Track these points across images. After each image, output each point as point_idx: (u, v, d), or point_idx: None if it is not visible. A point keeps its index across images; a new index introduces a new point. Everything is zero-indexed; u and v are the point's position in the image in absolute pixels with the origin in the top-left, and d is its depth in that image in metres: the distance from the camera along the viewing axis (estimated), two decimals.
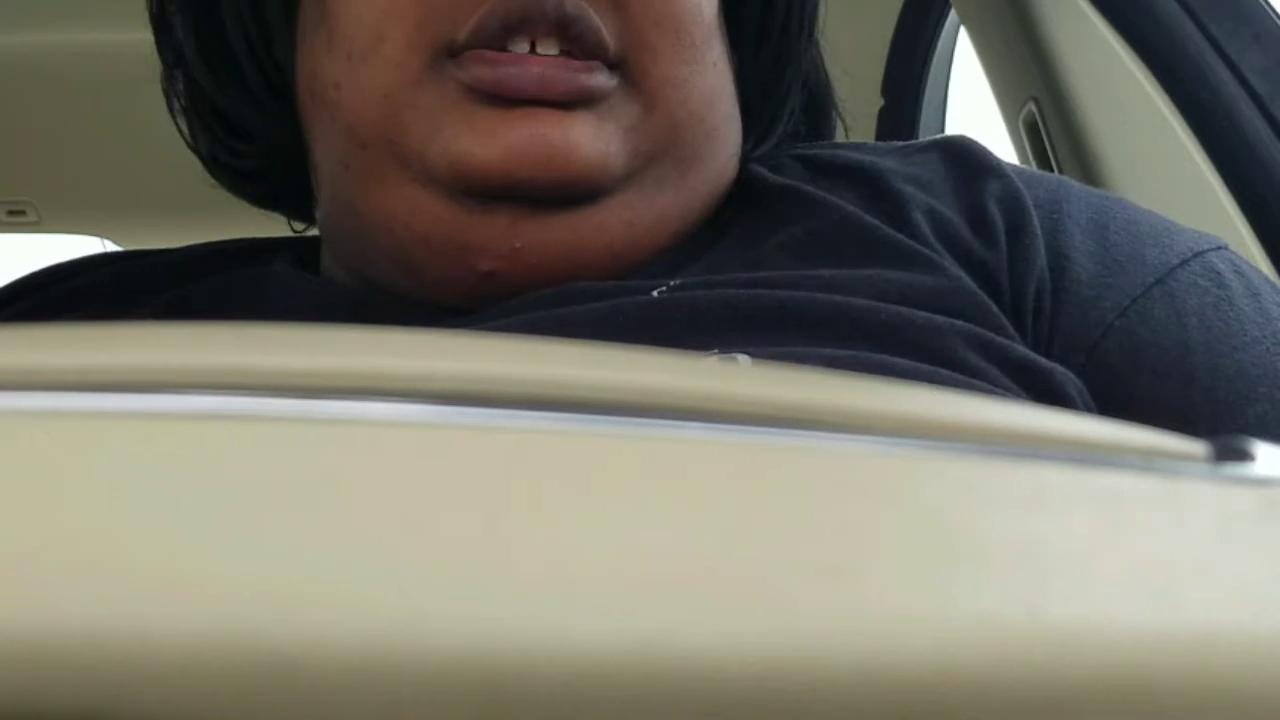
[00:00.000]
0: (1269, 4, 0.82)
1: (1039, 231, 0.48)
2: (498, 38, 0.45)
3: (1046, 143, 0.91)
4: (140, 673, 0.13)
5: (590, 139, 0.45)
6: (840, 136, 0.64)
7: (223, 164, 0.56)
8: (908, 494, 0.17)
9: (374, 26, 0.46)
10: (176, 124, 0.57)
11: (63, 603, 0.13)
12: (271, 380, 0.17)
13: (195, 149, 0.57)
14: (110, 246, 2.00)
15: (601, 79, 0.45)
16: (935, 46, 1.29)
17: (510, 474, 0.16)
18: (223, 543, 0.14)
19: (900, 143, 0.56)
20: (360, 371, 0.18)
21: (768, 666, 0.14)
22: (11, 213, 1.89)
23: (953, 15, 1.21)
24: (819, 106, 0.61)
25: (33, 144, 1.73)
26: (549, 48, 0.45)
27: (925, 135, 1.31)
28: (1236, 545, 0.17)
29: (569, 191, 0.45)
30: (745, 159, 0.54)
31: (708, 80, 0.48)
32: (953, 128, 1.34)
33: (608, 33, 0.45)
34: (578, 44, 0.45)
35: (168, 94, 0.56)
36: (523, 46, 0.45)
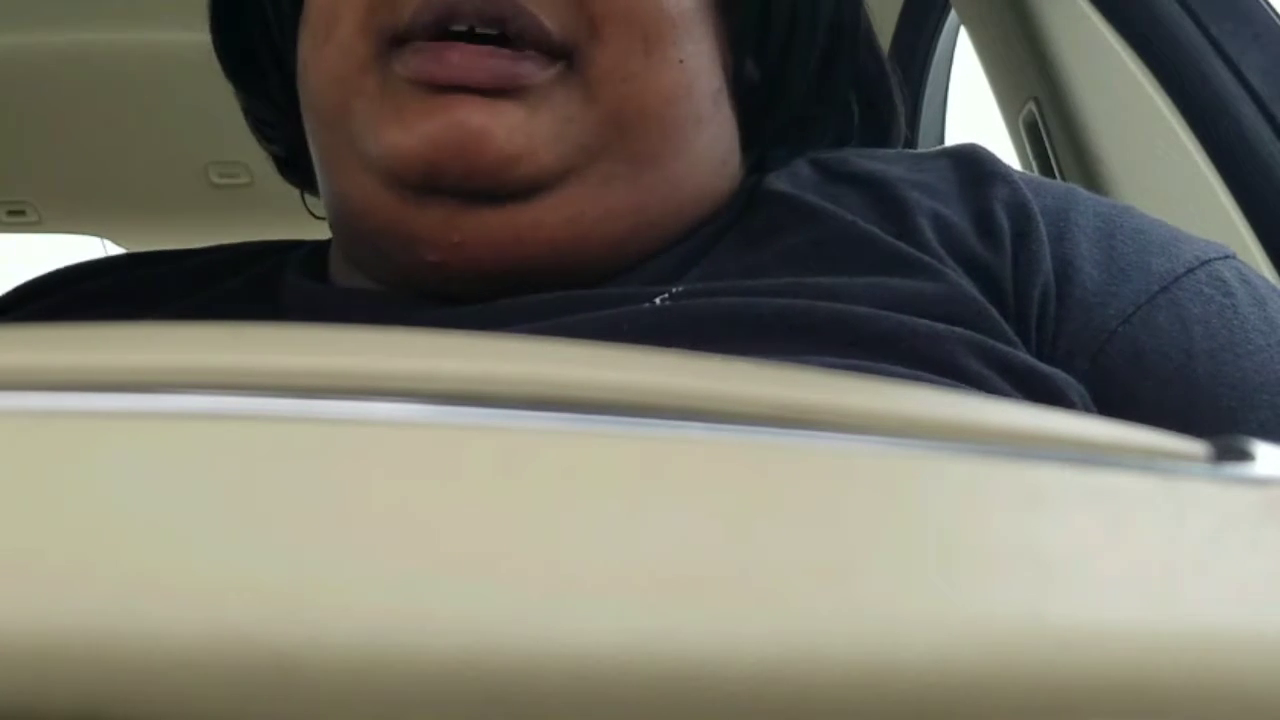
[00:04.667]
0: (1269, 4, 0.82)
1: (1045, 238, 0.48)
2: (438, 21, 0.45)
3: (1046, 143, 0.91)
4: (140, 673, 0.13)
5: (513, 129, 0.44)
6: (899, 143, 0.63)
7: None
8: (908, 494, 0.17)
9: (331, 10, 0.47)
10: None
11: (63, 603, 0.13)
12: (271, 380, 0.17)
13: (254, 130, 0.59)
14: (110, 246, 2.01)
15: (531, 67, 0.45)
16: (935, 46, 1.28)
17: (510, 474, 0.16)
18: (222, 543, 0.14)
19: (912, 150, 0.56)
20: (360, 371, 0.18)
21: (768, 667, 0.14)
22: (11, 213, 1.89)
23: (953, 15, 1.21)
24: (882, 115, 0.60)
25: (33, 144, 1.73)
26: (487, 27, 0.45)
27: (925, 135, 1.31)
28: (1236, 545, 0.17)
29: (492, 183, 0.45)
30: (763, 162, 0.54)
31: (665, 79, 0.47)
32: (953, 128, 1.34)
33: (555, 20, 0.45)
34: (516, 37, 0.45)
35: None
36: (462, 25, 0.45)
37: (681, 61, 0.47)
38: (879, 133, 0.60)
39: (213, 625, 0.13)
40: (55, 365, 0.17)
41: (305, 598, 0.14)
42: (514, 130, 0.44)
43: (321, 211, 0.60)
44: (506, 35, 0.45)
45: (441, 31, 0.45)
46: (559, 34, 0.45)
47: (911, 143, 1.31)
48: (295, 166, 0.58)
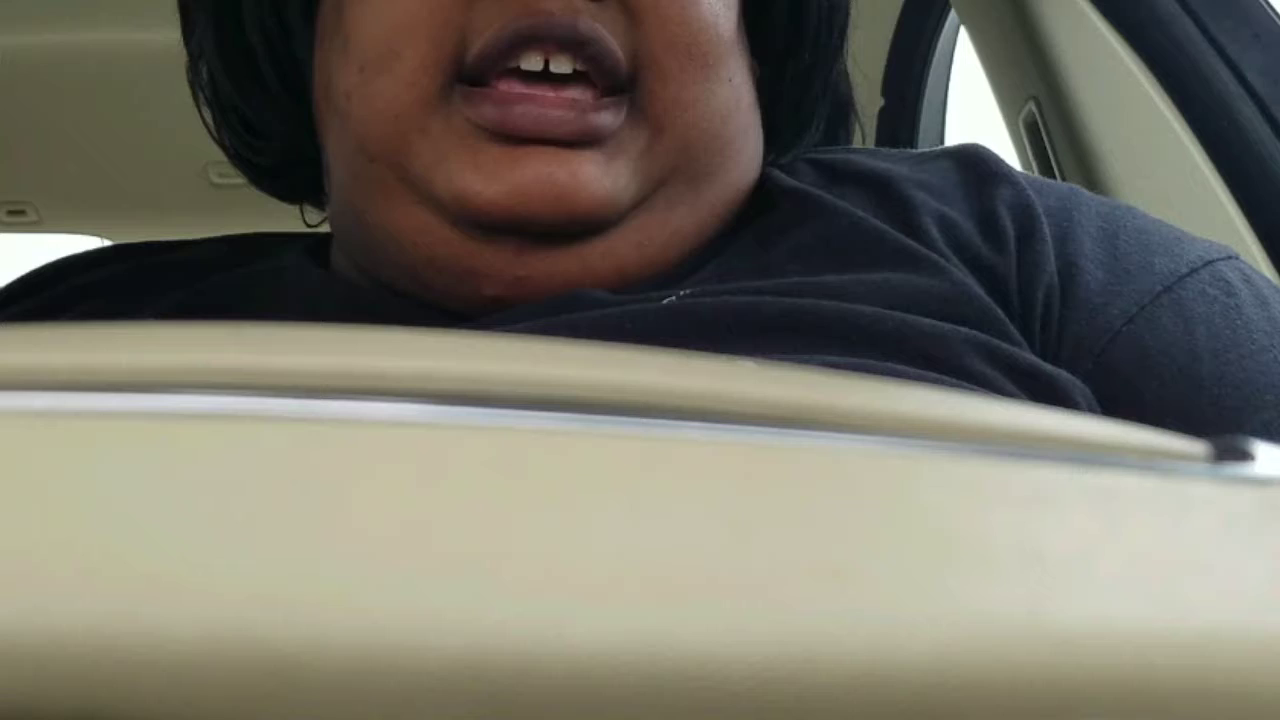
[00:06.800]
0: (1269, 4, 0.82)
1: (1049, 238, 0.48)
2: (510, 55, 0.44)
3: (1046, 143, 0.91)
4: (140, 673, 0.13)
5: (598, 177, 0.45)
6: (856, 142, 0.64)
7: (243, 158, 0.56)
8: (908, 494, 0.17)
9: (388, 41, 0.45)
10: (201, 115, 0.56)
11: (62, 603, 0.13)
12: (271, 380, 0.17)
13: (219, 141, 0.57)
14: None
15: (608, 118, 0.45)
16: (935, 46, 1.28)
17: (510, 474, 0.16)
18: (223, 543, 0.14)
19: (914, 150, 0.56)
20: (360, 371, 0.18)
21: (768, 667, 0.14)
22: (11, 213, 1.89)
23: (953, 15, 1.21)
24: (841, 114, 0.61)
25: (33, 144, 1.73)
26: (562, 65, 0.44)
27: (925, 136, 1.31)
28: (1236, 545, 0.17)
29: (576, 228, 0.45)
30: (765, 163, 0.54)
31: (721, 97, 0.48)
32: (953, 128, 1.34)
33: (622, 47, 0.45)
34: (592, 64, 0.45)
35: (193, 85, 0.56)
36: (535, 62, 0.44)
37: (730, 80, 0.49)
38: (833, 128, 0.61)
39: (213, 625, 0.13)
40: (55, 365, 0.17)
41: (305, 598, 0.14)
42: (598, 179, 0.45)
43: (314, 219, 0.60)
44: (578, 69, 0.44)
45: (512, 69, 0.44)
46: (626, 63, 0.45)
47: (911, 143, 1.31)
48: (283, 176, 0.56)
